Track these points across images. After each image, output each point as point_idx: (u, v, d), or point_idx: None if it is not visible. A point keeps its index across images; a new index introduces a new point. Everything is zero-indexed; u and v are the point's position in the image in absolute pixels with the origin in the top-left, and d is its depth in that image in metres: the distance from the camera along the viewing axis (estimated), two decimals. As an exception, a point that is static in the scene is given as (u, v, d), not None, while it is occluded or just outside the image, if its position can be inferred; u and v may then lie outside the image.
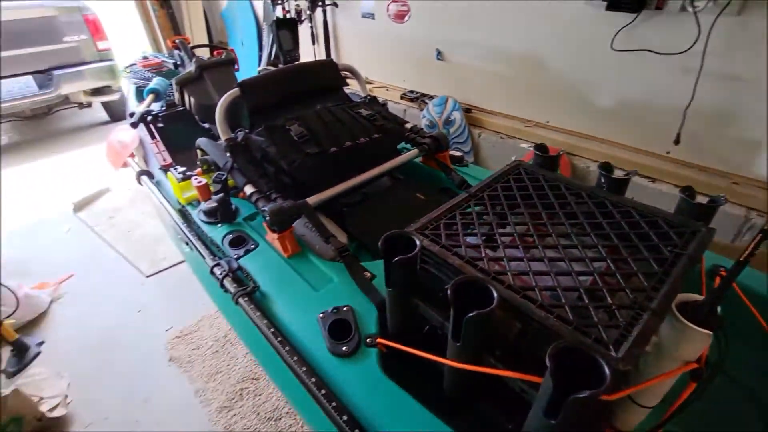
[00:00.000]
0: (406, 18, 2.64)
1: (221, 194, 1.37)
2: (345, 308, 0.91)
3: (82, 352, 1.85)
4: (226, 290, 1.07)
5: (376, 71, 3.12)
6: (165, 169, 1.87)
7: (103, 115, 4.85)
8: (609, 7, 1.71)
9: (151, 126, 2.21)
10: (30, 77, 3.79)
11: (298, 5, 3.30)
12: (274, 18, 3.72)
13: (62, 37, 3.92)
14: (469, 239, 0.76)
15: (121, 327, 1.98)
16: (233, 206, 1.39)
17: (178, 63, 2.47)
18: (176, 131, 2.38)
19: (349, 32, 3.16)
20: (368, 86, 3.07)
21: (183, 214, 1.51)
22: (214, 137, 2.53)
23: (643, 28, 1.72)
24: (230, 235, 1.29)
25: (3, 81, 3.60)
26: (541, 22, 2.03)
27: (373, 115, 1.48)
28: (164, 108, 2.47)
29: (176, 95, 2.28)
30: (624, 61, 1.82)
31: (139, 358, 1.81)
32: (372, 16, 2.87)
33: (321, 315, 0.91)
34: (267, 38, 3.92)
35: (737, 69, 1.57)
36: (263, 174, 1.31)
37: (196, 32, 4.37)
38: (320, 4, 3.06)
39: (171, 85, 2.63)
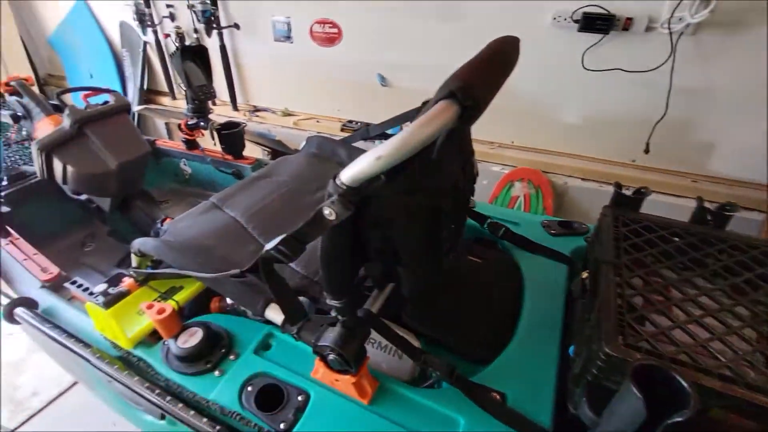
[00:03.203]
0: (337, 42, 2.30)
1: (206, 328, 0.87)
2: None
3: None
4: None
5: (299, 102, 2.67)
6: (53, 285, 1.19)
7: None
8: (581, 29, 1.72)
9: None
10: None
11: (179, 27, 2.63)
12: (143, 42, 2.94)
13: None
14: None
15: None
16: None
17: (22, 115, 1.67)
18: (29, 214, 1.64)
19: (258, 60, 2.64)
20: (292, 118, 2.62)
21: (129, 363, 0.92)
22: (99, 210, 1.78)
23: (609, 47, 1.77)
24: (250, 387, 0.80)
25: None
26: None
27: None
28: (7, 184, 1.68)
29: (37, 162, 1.53)
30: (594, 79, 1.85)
31: None
32: (289, 39, 2.44)
33: None
34: (132, 68, 3.08)
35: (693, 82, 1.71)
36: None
37: (12, 66, 3.18)
38: (215, 26, 2.49)
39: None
